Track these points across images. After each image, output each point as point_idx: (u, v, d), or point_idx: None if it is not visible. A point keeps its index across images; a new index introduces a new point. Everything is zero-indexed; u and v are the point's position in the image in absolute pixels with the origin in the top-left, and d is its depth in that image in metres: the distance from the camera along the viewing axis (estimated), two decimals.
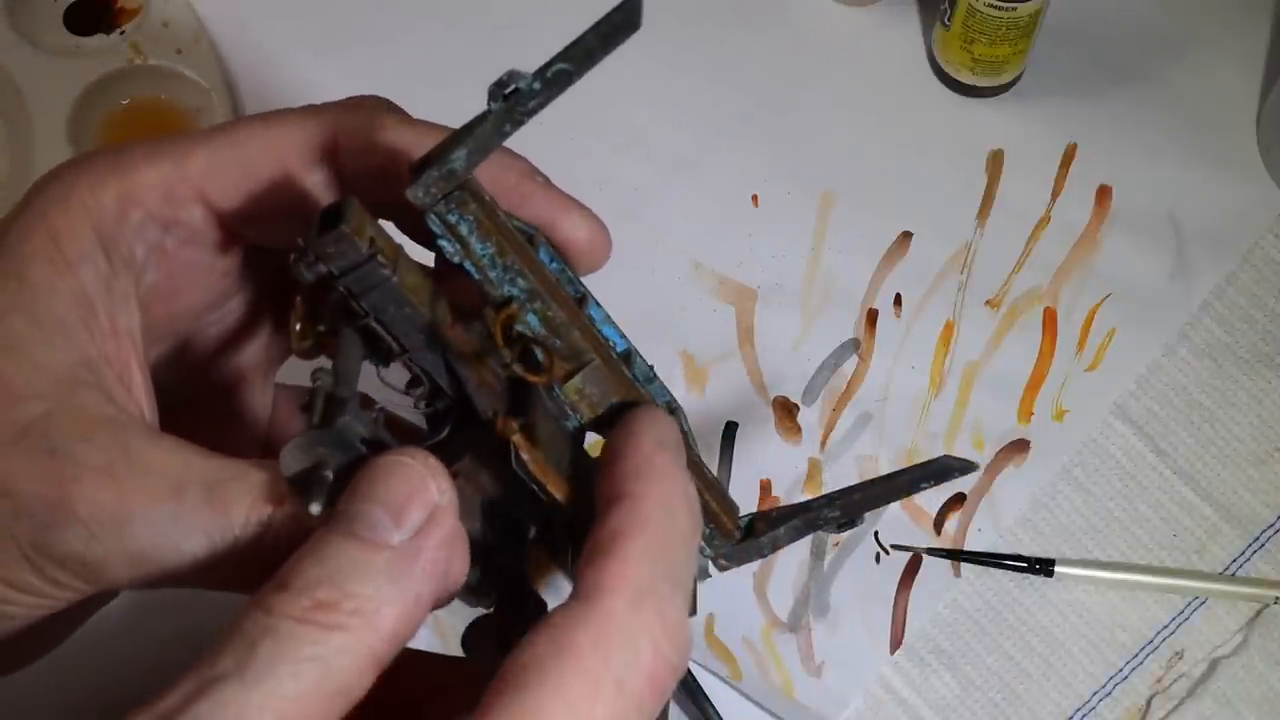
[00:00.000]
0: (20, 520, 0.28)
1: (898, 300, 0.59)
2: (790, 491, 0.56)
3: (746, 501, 0.56)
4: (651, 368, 0.36)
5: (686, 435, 0.38)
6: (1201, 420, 0.57)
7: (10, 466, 0.28)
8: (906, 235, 0.61)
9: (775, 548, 0.38)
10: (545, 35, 0.65)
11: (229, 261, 0.34)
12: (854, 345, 0.59)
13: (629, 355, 0.35)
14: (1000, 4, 0.57)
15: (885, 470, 0.56)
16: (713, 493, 0.37)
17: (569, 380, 0.32)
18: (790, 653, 0.54)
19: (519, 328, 0.31)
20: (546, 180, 0.34)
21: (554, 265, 0.33)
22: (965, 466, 0.35)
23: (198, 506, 0.28)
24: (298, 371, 0.39)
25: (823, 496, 0.37)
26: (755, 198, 0.62)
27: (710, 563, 0.39)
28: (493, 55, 0.65)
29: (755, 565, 0.55)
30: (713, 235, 0.61)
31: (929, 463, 0.36)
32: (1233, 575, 0.55)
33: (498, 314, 0.30)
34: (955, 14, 0.59)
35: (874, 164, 0.62)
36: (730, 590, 0.54)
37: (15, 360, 0.29)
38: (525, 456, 0.31)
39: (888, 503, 0.37)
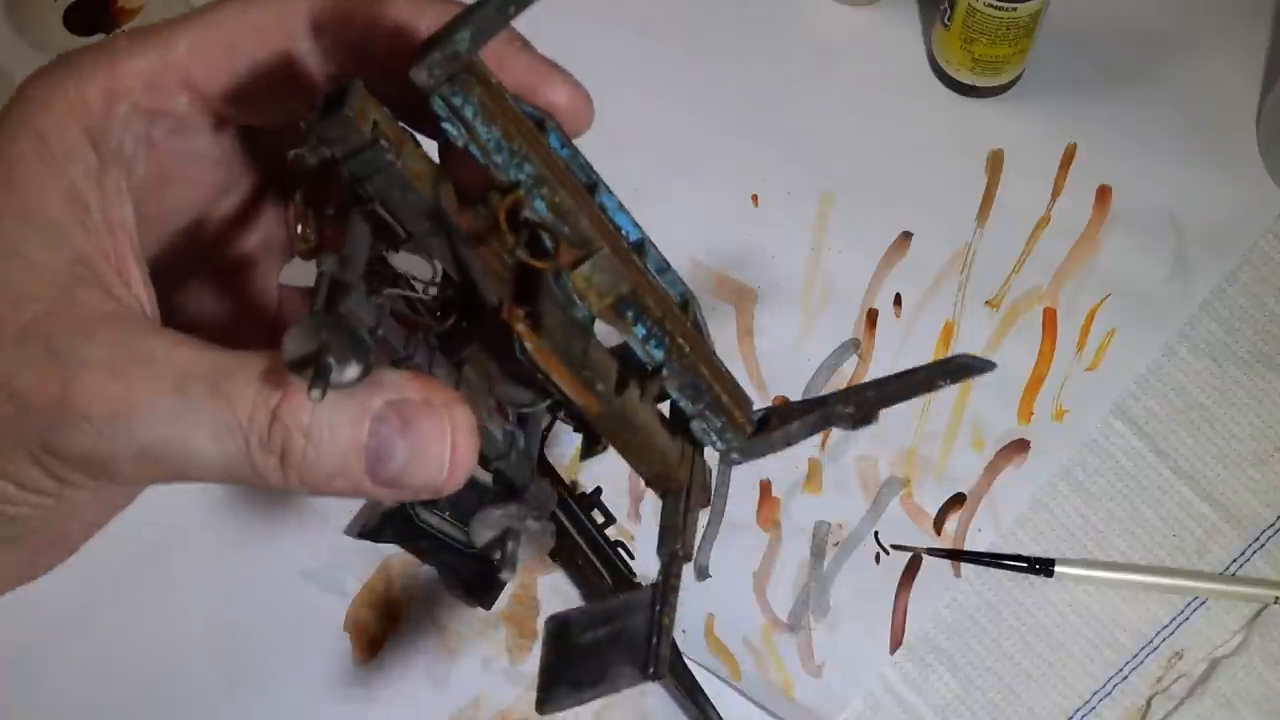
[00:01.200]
0: (25, 419, 0.28)
1: (898, 300, 0.59)
2: (790, 491, 0.56)
3: (747, 501, 0.56)
4: (665, 259, 0.36)
5: (701, 327, 0.37)
6: (1201, 420, 0.57)
7: (12, 367, 0.28)
8: (906, 235, 0.61)
9: (788, 443, 0.37)
10: (545, 37, 0.65)
11: (222, 148, 0.34)
12: (854, 345, 0.59)
13: (641, 245, 0.35)
14: (1000, 4, 0.57)
15: (885, 472, 0.56)
16: (724, 384, 0.36)
17: (577, 268, 0.31)
18: (790, 653, 0.54)
19: (526, 214, 0.30)
20: (526, 44, 0.33)
21: (565, 151, 0.33)
22: (983, 365, 0.34)
23: (202, 398, 0.28)
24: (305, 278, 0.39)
25: (838, 393, 0.36)
26: (755, 197, 0.62)
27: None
28: None
29: (755, 565, 0.55)
30: (712, 235, 0.61)
31: (946, 360, 0.35)
32: (1233, 575, 0.55)
33: (504, 198, 0.29)
34: (955, 14, 0.59)
35: (874, 164, 0.62)
36: (730, 590, 0.54)
37: (11, 261, 0.28)
38: (529, 345, 0.30)
39: (902, 400, 0.37)
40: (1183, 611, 0.54)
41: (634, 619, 0.34)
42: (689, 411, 0.36)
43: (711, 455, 0.37)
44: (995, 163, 0.62)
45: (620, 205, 0.34)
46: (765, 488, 0.56)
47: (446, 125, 0.29)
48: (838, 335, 0.59)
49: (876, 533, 0.55)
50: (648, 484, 0.38)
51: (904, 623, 0.54)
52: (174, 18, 0.32)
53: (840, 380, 0.58)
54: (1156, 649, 0.54)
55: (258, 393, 0.28)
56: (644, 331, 0.33)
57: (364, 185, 0.29)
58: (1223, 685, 0.53)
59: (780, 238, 0.61)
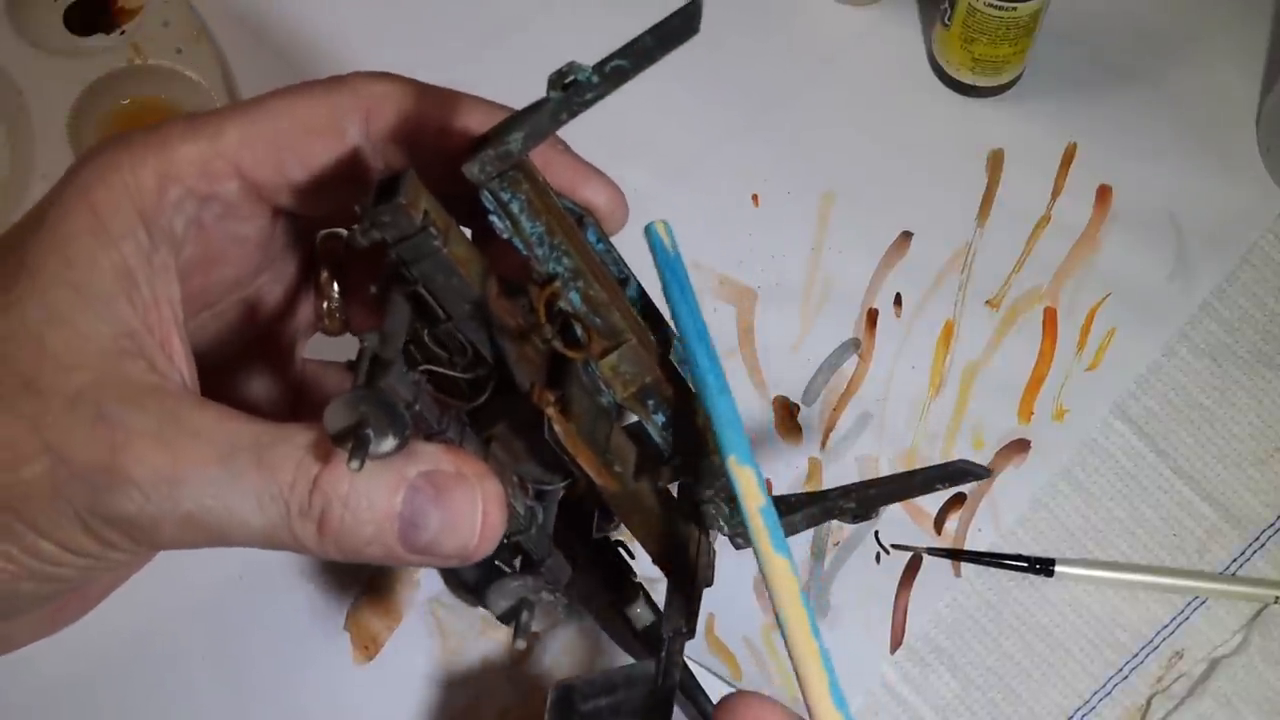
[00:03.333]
0: (74, 484, 0.29)
1: (898, 300, 0.59)
2: (790, 491, 0.56)
3: None
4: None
5: None
6: (1201, 420, 0.57)
7: (63, 433, 0.29)
8: (906, 235, 0.61)
9: (791, 532, 0.39)
10: (548, 37, 0.65)
11: (267, 233, 0.35)
12: (854, 345, 0.59)
13: (666, 338, 0.36)
14: (1000, 4, 0.57)
15: (885, 471, 0.56)
16: None
17: (605, 357, 0.33)
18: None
19: (561, 304, 0.32)
20: (568, 148, 0.35)
21: (600, 246, 0.35)
22: (980, 471, 0.36)
23: (247, 469, 0.29)
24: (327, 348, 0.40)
25: (839, 488, 0.38)
26: (755, 198, 0.62)
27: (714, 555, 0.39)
28: (495, 55, 0.65)
29: (756, 565, 0.55)
30: (713, 235, 0.61)
31: (945, 465, 0.37)
32: (1233, 575, 0.55)
33: (542, 290, 0.31)
34: (955, 14, 0.59)
35: (874, 164, 0.62)
36: (730, 590, 0.54)
37: (62, 331, 0.29)
38: (558, 428, 0.32)
39: (901, 499, 0.38)
40: (1183, 611, 0.54)
41: (635, 691, 0.35)
42: (700, 496, 0.37)
43: None
44: (995, 162, 0.62)
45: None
46: (765, 487, 0.56)
47: (493, 217, 0.30)
48: (838, 335, 0.59)
49: (876, 532, 0.55)
50: (655, 561, 0.40)
51: (904, 622, 0.54)
52: (227, 106, 0.34)
53: (840, 380, 0.58)
54: (1156, 649, 0.54)
55: (299, 463, 0.29)
56: (663, 419, 0.35)
57: (410, 268, 0.30)
58: (1223, 685, 0.53)
59: (780, 238, 0.61)
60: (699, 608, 0.39)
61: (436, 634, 0.53)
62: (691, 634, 0.38)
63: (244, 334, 0.38)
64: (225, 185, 0.32)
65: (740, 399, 0.58)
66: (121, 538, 0.30)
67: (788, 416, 0.57)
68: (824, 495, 0.38)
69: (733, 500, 0.37)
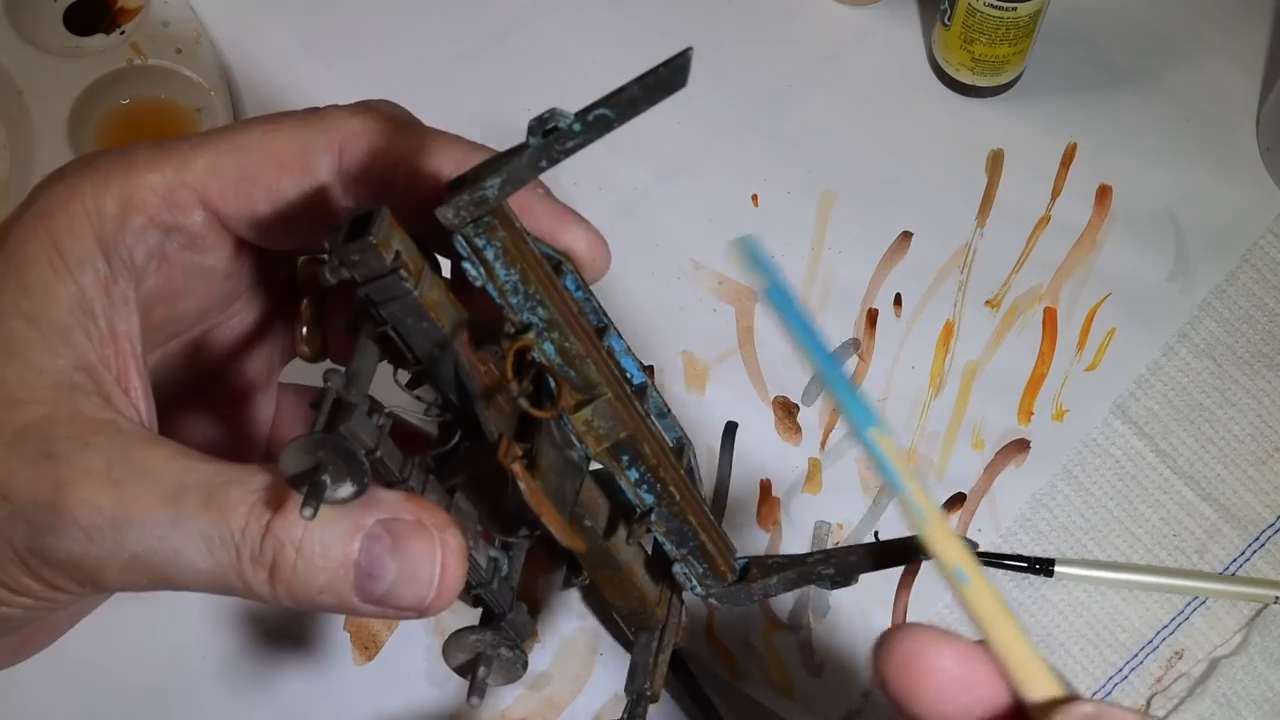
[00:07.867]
0: (16, 523, 0.28)
1: (898, 300, 0.59)
2: (790, 491, 0.56)
3: (747, 501, 0.56)
4: (666, 405, 0.36)
5: (692, 472, 0.38)
6: (1201, 420, 0.57)
7: (8, 469, 0.28)
8: (906, 235, 0.61)
9: (766, 596, 0.38)
10: (546, 37, 0.65)
11: (233, 266, 0.34)
12: (854, 345, 0.59)
13: (644, 389, 0.36)
14: (1000, 4, 0.57)
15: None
16: (709, 532, 0.37)
17: (578, 411, 0.32)
18: (790, 653, 0.54)
19: (534, 355, 0.31)
20: (548, 192, 0.34)
21: (579, 294, 0.34)
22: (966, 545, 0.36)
23: (196, 511, 0.28)
24: (302, 373, 0.39)
25: (819, 552, 0.38)
26: (755, 198, 0.62)
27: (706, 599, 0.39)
28: (493, 56, 0.65)
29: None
30: (713, 235, 0.61)
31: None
32: (1233, 575, 0.55)
33: (513, 342, 0.30)
34: (955, 14, 0.59)
35: (874, 164, 0.62)
36: None
37: (14, 364, 0.29)
38: (522, 485, 0.31)
39: (881, 569, 0.38)
40: (1183, 611, 0.54)
41: None
42: (673, 555, 0.37)
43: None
44: (995, 162, 0.62)
45: (627, 349, 0.35)
46: (765, 488, 0.56)
47: (466, 264, 0.29)
48: (838, 335, 0.59)
49: (876, 533, 0.55)
50: (623, 619, 0.39)
51: (904, 623, 0.54)
52: (199, 134, 0.32)
53: None
54: (1156, 649, 0.54)
55: (251, 507, 0.28)
56: (637, 475, 0.34)
57: (378, 309, 0.29)
58: (1223, 685, 0.53)
59: (780, 238, 0.61)
60: (665, 669, 0.39)
61: (436, 634, 0.53)
62: (655, 698, 0.38)
63: (214, 366, 0.37)
64: (190, 216, 0.31)
65: (740, 399, 0.58)
66: (65, 579, 0.28)
67: (788, 416, 0.57)
68: (803, 560, 0.38)
69: (705, 559, 0.37)
